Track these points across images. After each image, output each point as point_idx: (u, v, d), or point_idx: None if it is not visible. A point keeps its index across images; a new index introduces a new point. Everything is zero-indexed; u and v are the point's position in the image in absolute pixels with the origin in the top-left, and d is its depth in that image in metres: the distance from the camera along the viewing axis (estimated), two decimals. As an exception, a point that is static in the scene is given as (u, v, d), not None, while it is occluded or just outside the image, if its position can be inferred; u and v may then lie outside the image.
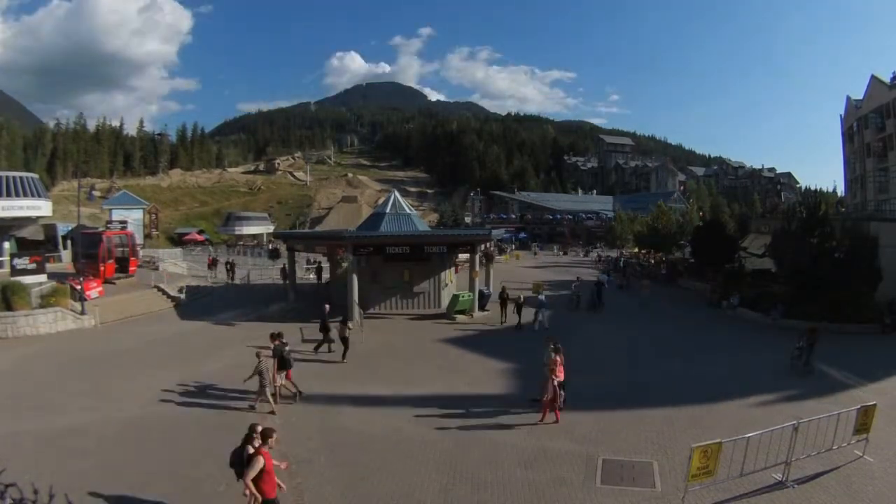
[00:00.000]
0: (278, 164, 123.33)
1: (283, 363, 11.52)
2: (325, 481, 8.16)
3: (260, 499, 6.15)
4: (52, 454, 8.85)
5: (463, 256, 25.48)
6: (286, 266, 27.65)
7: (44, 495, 7.28)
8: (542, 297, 20.18)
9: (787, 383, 12.89)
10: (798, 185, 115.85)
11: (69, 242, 31.72)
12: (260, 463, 6.12)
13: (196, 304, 23.98)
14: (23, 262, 21.17)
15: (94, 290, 21.29)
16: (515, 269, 39.09)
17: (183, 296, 24.12)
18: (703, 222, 38.56)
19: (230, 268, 31.38)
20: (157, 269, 31.12)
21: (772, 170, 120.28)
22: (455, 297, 21.20)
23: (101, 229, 29.07)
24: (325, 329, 15.52)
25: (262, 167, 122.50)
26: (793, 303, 19.77)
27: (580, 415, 10.83)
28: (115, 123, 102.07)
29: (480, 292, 22.31)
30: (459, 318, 20.80)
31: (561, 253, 60.36)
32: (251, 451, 6.32)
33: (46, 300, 18.68)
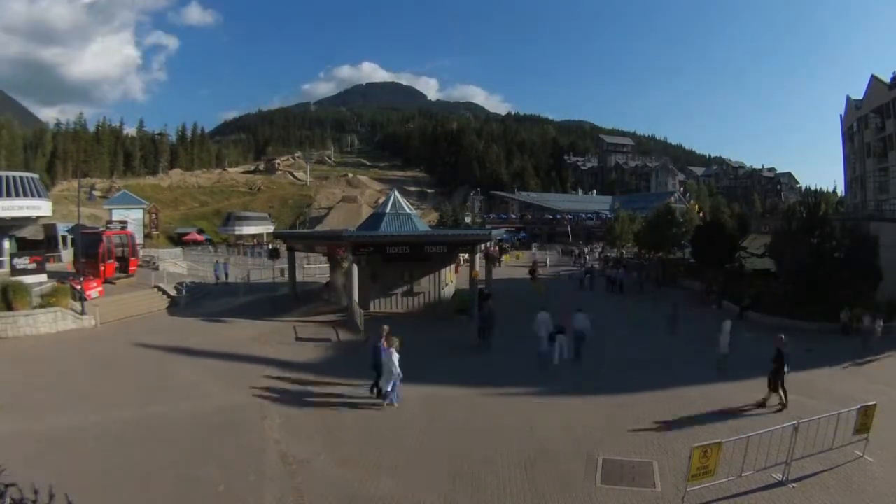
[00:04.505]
0: (278, 163, 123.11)
1: None
2: (325, 481, 8.17)
3: None
4: (53, 454, 8.85)
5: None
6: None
7: (44, 495, 7.23)
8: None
9: (787, 384, 12.85)
10: (798, 185, 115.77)
11: (69, 242, 31.68)
12: None
13: (195, 301, 24.04)
14: (23, 262, 21.14)
15: (94, 290, 21.26)
16: (510, 270, 39.04)
17: (183, 294, 24.06)
18: (703, 222, 38.51)
19: None
20: (157, 268, 31.08)
21: (772, 170, 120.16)
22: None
23: (101, 229, 29.01)
24: None
25: (262, 167, 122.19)
26: (792, 302, 19.76)
27: (580, 414, 10.84)
28: (115, 123, 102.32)
29: (481, 292, 22.27)
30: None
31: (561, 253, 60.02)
32: None
33: (46, 300, 18.67)
